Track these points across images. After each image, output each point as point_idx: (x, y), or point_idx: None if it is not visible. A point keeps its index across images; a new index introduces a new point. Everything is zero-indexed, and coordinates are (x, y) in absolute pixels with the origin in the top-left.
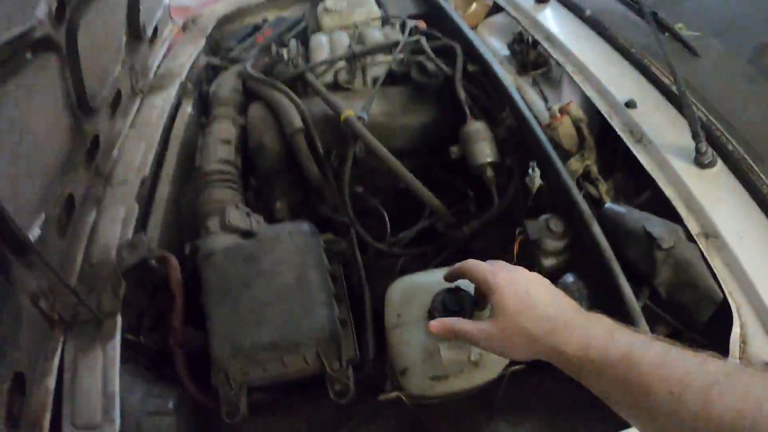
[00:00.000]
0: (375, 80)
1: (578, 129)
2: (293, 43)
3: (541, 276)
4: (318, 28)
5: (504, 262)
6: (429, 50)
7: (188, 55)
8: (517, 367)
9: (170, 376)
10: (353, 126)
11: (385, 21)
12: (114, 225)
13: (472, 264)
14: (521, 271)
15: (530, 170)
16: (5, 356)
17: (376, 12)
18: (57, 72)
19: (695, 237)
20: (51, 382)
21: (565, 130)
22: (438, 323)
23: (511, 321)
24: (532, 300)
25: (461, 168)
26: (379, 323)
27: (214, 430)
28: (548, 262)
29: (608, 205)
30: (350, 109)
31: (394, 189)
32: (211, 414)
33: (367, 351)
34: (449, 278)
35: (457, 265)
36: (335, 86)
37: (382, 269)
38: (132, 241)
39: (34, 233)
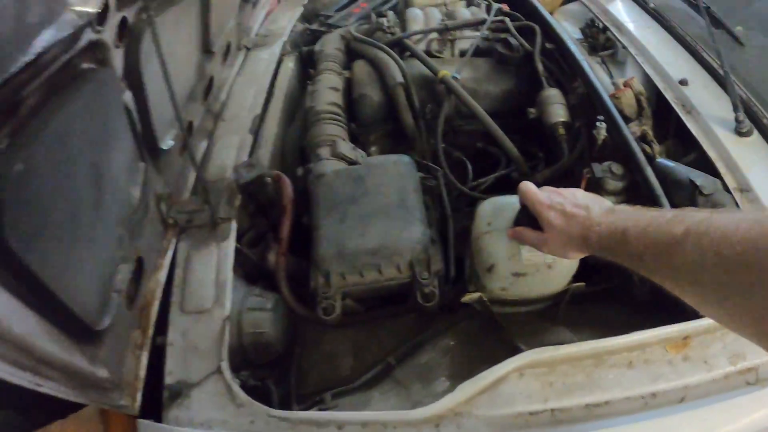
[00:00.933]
0: (462, 52)
1: (638, 100)
2: (391, 14)
3: (577, 189)
4: (410, 4)
5: (550, 188)
6: (513, 28)
7: (287, 19)
8: (579, 284)
9: (266, 287)
10: (448, 83)
11: (471, 2)
12: (229, 150)
13: (526, 190)
14: (562, 192)
15: (597, 123)
16: (133, 240)
17: None
18: (197, 12)
19: (731, 190)
20: (162, 276)
21: (627, 100)
22: (511, 231)
23: (554, 230)
24: (566, 213)
25: (534, 132)
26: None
27: (302, 336)
28: (609, 199)
29: (660, 159)
30: (445, 70)
31: (473, 147)
32: (302, 321)
33: (449, 271)
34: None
35: (519, 186)
36: (427, 55)
37: (462, 210)
38: (250, 161)
39: (166, 144)
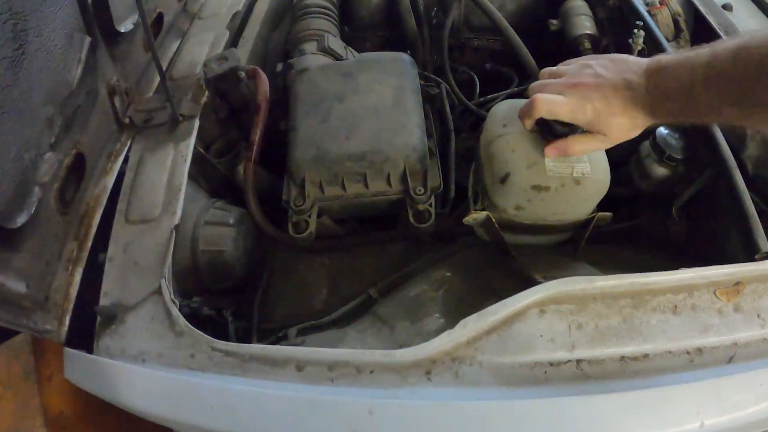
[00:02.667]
0: None
1: (675, 21)
2: None
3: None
4: None
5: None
6: None
7: None
8: (605, 213)
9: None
10: None
11: None
12: (202, 47)
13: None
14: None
15: (635, 30)
16: (71, 130)
17: None
18: None
19: None
20: (109, 182)
21: (664, 19)
22: (552, 147)
23: (606, 104)
24: (609, 69)
25: (555, 50)
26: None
27: (270, 261)
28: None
29: None
30: None
31: (481, 67)
32: (271, 244)
33: (447, 192)
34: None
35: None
36: None
37: (465, 131)
38: (223, 53)
39: (125, 26)
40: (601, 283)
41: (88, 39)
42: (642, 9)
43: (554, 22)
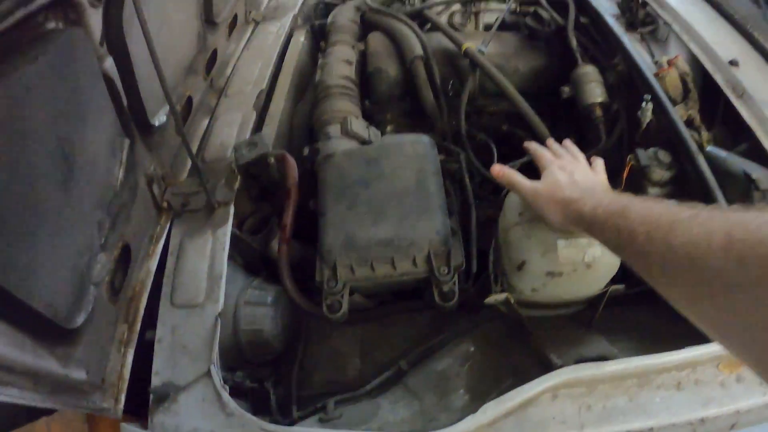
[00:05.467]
0: (487, 26)
1: (684, 81)
2: None
3: (588, 166)
4: None
5: (566, 152)
6: (543, 0)
7: None
8: (618, 286)
9: (267, 279)
10: (473, 56)
11: None
12: (230, 128)
13: (538, 149)
14: (574, 160)
15: (643, 103)
16: (117, 226)
17: None
18: None
19: None
20: (153, 265)
21: (672, 81)
22: (499, 167)
23: (553, 185)
24: (573, 177)
25: (565, 114)
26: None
27: (306, 331)
28: (653, 191)
29: (710, 148)
30: (470, 43)
31: (498, 130)
32: (304, 316)
33: (470, 267)
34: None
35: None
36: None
37: (486, 197)
38: (252, 139)
39: (159, 119)
40: (608, 368)
41: (127, 141)
42: (649, 75)
43: (566, 89)
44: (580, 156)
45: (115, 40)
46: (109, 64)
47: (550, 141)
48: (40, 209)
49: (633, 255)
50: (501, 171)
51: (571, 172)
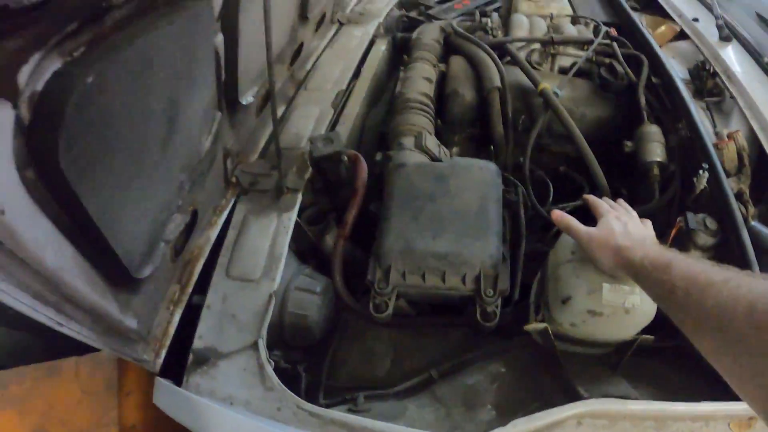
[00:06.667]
0: (561, 69)
1: (740, 156)
2: (495, 15)
3: (639, 220)
4: (515, 9)
5: (626, 212)
6: (620, 55)
7: (386, 1)
8: (648, 337)
9: (317, 269)
10: (548, 96)
11: (576, 20)
12: (307, 120)
13: (596, 199)
14: (628, 213)
15: (701, 171)
16: (193, 191)
17: (568, 10)
18: None
19: None
20: (213, 234)
21: (729, 153)
22: (559, 213)
23: (607, 232)
24: (627, 227)
25: (621, 167)
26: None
27: (342, 326)
28: (696, 254)
29: (754, 223)
30: (546, 84)
31: (556, 170)
32: (346, 310)
33: (512, 294)
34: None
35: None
36: None
37: (535, 232)
38: (328, 135)
39: (247, 99)
40: (631, 407)
41: (219, 114)
42: (709, 143)
43: (629, 144)
44: (633, 212)
45: (229, 19)
46: (220, 39)
47: (607, 198)
48: (141, 161)
49: (671, 307)
50: (560, 216)
51: (625, 223)
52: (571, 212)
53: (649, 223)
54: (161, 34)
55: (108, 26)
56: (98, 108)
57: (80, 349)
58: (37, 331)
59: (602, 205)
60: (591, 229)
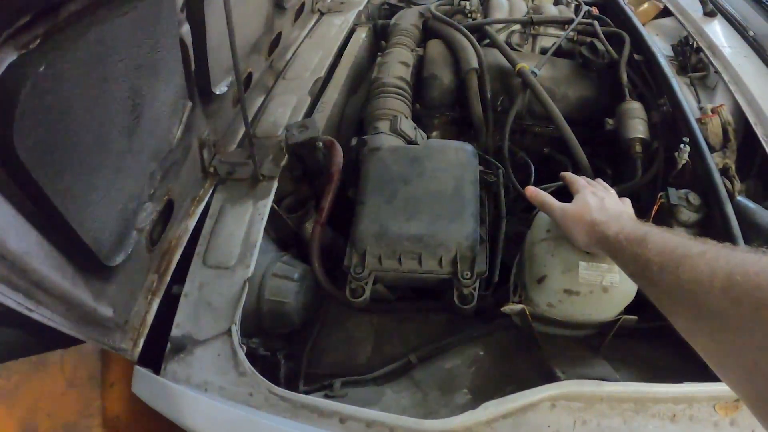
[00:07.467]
0: (543, 50)
1: (725, 130)
2: None
3: (617, 197)
4: None
5: (604, 188)
6: (601, 33)
7: None
8: (631, 317)
9: (297, 257)
10: (526, 77)
11: (557, 0)
12: (284, 108)
13: (572, 176)
14: (606, 189)
15: (682, 145)
16: (166, 181)
17: None
18: None
19: None
20: (191, 224)
21: (714, 128)
22: (533, 188)
23: (582, 207)
24: (603, 203)
25: (604, 146)
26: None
27: (323, 313)
28: (678, 231)
29: (740, 198)
30: (524, 63)
31: (539, 151)
32: (326, 298)
33: (492, 276)
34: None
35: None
36: None
37: (516, 214)
38: (304, 122)
39: (220, 89)
40: (608, 388)
41: (189, 104)
42: (692, 118)
43: (610, 121)
44: (611, 189)
45: (194, 9)
46: (186, 30)
47: (585, 177)
48: (105, 149)
49: (647, 283)
50: (534, 192)
51: (602, 198)
52: (553, 193)
53: (627, 201)
54: (117, 25)
55: (63, 18)
56: (55, 97)
57: (67, 343)
58: (28, 328)
59: (578, 181)
60: (566, 205)
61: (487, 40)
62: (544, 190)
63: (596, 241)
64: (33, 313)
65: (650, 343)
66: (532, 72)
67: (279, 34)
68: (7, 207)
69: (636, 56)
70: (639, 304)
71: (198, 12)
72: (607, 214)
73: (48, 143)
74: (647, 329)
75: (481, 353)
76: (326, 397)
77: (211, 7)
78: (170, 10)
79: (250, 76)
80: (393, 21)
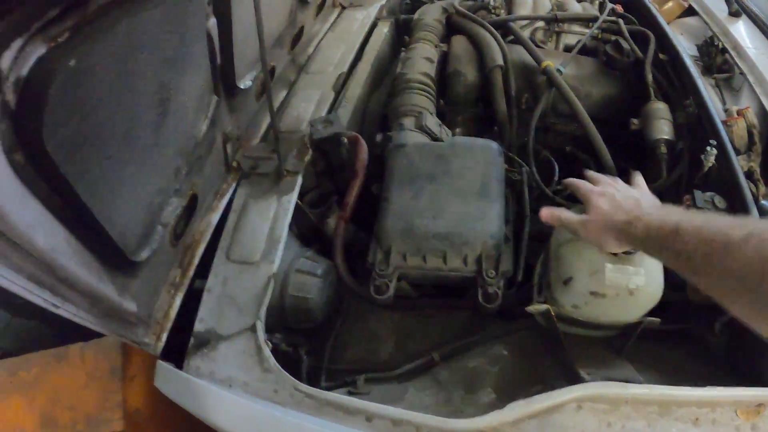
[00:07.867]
0: (567, 47)
1: (750, 133)
2: None
3: (624, 184)
4: None
5: (605, 177)
6: (626, 31)
7: None
8: (654, 319)
9: (319, 252)
10: (551, 74)
11: None
12: (308, 103)
13: (575, 181)
14: (612, 181)
15: (708, 148)
16: (191, 175)
17: None
18: None
19: None
20: (214, 218)
21: (739, 131)
22: (547, 210)
23: (599, 214)
24: (615, 201)
25: (628, 146)
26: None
27: (345, 309)
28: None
29: (764, 202)
30: (549, 61)
31: (562, 149)
32: (349, 293)
33: (516, 275)
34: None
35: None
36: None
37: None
38: (328, 117)
39: (245, 83)
40: (633, 390)
41: (215, 98)
42: (718, 120)
43: (635, 121)
44: (617, 179)
45: (221, 2)
46: (212, 23)
47: (587, 172)
48: (132, 144)
49: (693, 275)
50: (550, 213)
51: (611, 195)
52: (566, 198)
53: (638, 177)
54: (146, 18)
55: (92, 11)
56: (84, 91)
57: (87, 335)
58: (48, 319)
59: (581, 186)
60: (583, 217)
61: (511, 37)
62: (563, 190)
63: (627, 243)
64: (59, 310)
65: (671, 345)
66: (558, 70)
67: (302, 28)
68: (35, 204)
69: (661, 55)
70: (662, 307)
71: (225, 5)
72: (625, 213)
73: (76, 138)
74: (670, 332)
75: (505, 352)
76: (350, 393)
77: (237, 1)
78: (198, 3)
79: (273, 70)
80: (416, 16)
